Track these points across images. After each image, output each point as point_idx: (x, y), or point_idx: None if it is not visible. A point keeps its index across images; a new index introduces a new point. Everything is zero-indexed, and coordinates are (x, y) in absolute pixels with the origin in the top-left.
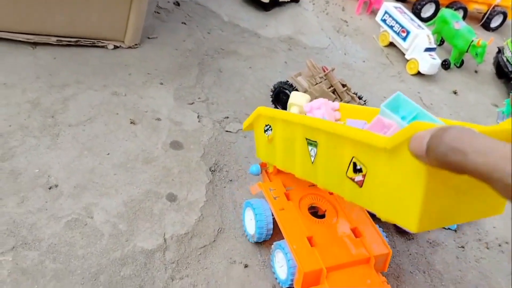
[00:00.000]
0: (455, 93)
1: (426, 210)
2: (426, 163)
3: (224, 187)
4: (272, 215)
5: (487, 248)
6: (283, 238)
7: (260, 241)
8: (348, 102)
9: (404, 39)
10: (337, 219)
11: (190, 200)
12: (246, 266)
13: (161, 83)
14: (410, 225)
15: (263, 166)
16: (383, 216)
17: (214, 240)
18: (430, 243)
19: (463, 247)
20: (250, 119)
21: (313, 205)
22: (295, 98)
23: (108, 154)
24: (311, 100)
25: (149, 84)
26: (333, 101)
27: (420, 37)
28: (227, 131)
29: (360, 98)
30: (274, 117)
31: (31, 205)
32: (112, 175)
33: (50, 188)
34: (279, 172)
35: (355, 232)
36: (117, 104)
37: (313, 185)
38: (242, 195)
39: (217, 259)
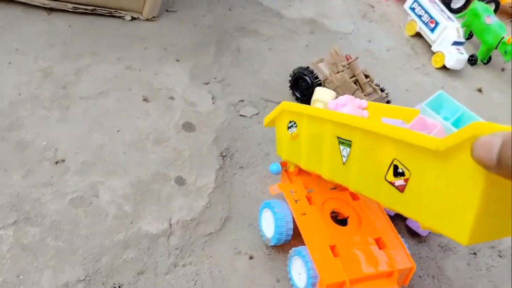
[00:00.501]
0: (479, 91)
1: (479, 222)
2: (494, 173)
3: (234, 174)
4: (293, 218)
5: (500, 257)
6: (300, 243)
7: (277, 245)
8: (369, 94)
9: (432, 30)
10: (360, 228)
11: (199, 185)
12: (251, 257)
13: (177, 60)
14: (460, 238)
15: (284, 165)
16: (427, 226)
17: (221, 229)
18: (442, 247)
19: (475, 253)
20: (273, 115)
21: (335, 211)
22: (319, 93)
23: (119, 131)
24: (335, 96)
25: (165, 60)
26: (354, 92)
27: (449, 29)
28: (241, 115)
29: (382, 90)
30: (301, 113)
31: (36, 179)
32: (121, 153)
33: (56, 163)
34: (300, 172)
35: (379, 243)
36: (131, 79)
37: (335, 188)
38: (252, 184)
39: (222, 248)
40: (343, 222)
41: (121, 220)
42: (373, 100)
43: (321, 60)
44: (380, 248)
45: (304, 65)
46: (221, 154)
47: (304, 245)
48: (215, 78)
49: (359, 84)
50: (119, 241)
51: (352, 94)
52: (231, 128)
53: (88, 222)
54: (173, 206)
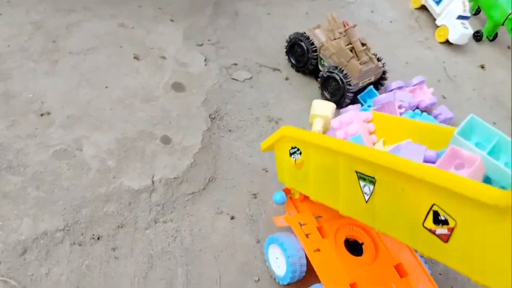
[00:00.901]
0: (482, 67)
1: None
2: None
3: (222, 136)
4: (305, 253)
5: None
6: (313, 278)
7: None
8: (365, 62)
9: (438, 3)
10: (378, 255)
11: (185, 145)
12: (232, 218)
13: (172, 20)
14: None
15: (287, 192)
16: (475, 279)
17: (204, 188)
18: None
19: None
20: (272, 140)
21: (349, 238)
22: (318, 107)
23: (107, 87)
24: (334, 109)
25: (159, 20)
26: (349, 60)
27: (454, 2)
28: (233, 78)
29: (379, 60)
30: (305, 141)
31: (20, 130)
32: (108, 109)
33: (42, 115)
34: (305, 197)
35: (399, 270)
36: (123, 37)
37: None
38: (240, 147)
39: (204, 207)
40: (356, 246)
41: (104, 174)
42: (368, 70)
43: (318, 27)
44: (401, 277)
45: (301, 31)
46: (209, 116)
47: (319, 282)
48: (209, 40)
49: (355, 52)
50: (100, 194)
51: (347, 62)
52: (222, 91)
53: (70, 174)
54: (157, 164)
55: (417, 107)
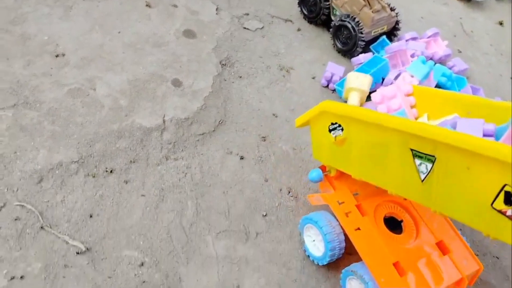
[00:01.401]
0: (500, 24)
1: None
2: None
3: (233, 82)
4: (343, 231)
5: None
6: (350, 256)
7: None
8: (378, 11)
9: None
10: (418, 232)
11: (195, 89)
12: (242, 158)
13: None
14: None
15: (324, 169)
16: None
17: (214, 130)
18: None
19: None
20: (309, 115)
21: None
22: (354, 80)
23: (119, 32)
24: (371, 82)
25: None
26: (362, 8)
27: None
28: (245, 28)
29: (392, 9)
30: (351, 118)
31: (36, 69)
32: (120, 53)
33: (57, 56)
34: (341, 174)
35: (441, 247)
36: None
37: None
38: (250, 93)
39: (214, 147)
40: (395, 223)
41: (116, 112)
42: (380, 18)
43: None
44: (444, 254)
45: None
46: (220, 62)
47: (358, 260)
48: None
49: (368, 0)
50: (113, 130)
51: (360, 10)
52: (233, 39)
53: (84, 111)
54: (168, 104)
55: (431, 59)
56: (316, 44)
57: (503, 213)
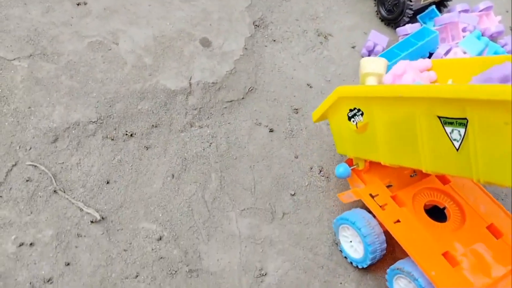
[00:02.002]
0: None
1: None
2: None
3: (266, 46)
4: (382, 228)
5: None
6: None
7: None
8: None
9: None
10: (465, 218)
11: (225, 50)
12: (271, 130)
13: None
14: None
15: (350, 163)
16: None
17: (243, 98)
18: None
19: None
20: (325, 106)
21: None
22: (369, 65)
23: None
24: (387, 64)
25: None
26: None
27: None
28: None
29: None
30: (369, 97)
31: (55, 17)
32: (146, 5)
33: (78, 4)
34: (370, 165)
35: (493, 231)
36: None
37: (416, 174)
38: (284, 59)
39: (242, 117)
40: (438, 211)
41: (140, 70)
42: None
43: None
44: (496, 238)
45: None
46: (253, 23)
47: (405, 256)
48: None
49: None
50: (135, 90)
51: None
52: None
53: (105, 67)
54: (195, 66)
55: (482, 34)
56: (357, 10)
57: None
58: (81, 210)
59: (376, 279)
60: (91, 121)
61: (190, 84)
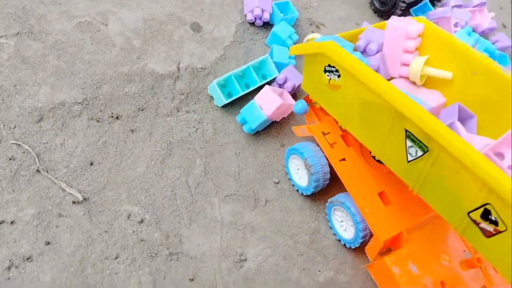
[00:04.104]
0: None
1: None
2: None
3: (257, 33)
4: (328, 162)
5: None
6: (337, 189)
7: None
8: None
9: None
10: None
11: (216, 36)
12: None
13: None
14: None
15: (308, 101)
16: (503, 276)
17: None
18: None
19: None
20: (305, 50)
21: None
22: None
23: None
24: None
25: None
26: None
27: None
28: None
29: None
30: (351, 73)
31: None
32: None
33: None
34: None
35: None
36: None
37: None
38: None
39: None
40: None
41: (128, 53)
42: None
43: None
44: None
45: None
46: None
47: (344, 191)
48: None
49: None
50: (122, 73)
51: None
52: None
53: (93, 48)
54: (184, 50)
55: (474, 30)
56: (351, 1)
57: (476, 223)
58: (64, 190)
59: (355, 268)
60: (77, 102)
61: (179, 69)
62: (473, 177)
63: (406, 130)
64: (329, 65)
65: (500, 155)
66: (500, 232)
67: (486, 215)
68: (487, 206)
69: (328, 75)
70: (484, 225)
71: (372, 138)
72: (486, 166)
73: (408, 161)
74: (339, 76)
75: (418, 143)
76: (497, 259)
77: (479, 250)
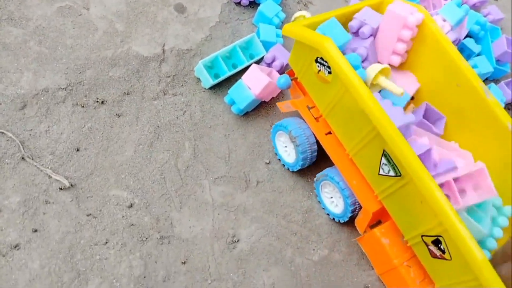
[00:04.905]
0: None
1: None
2: None
3: (243, 12)
4: (315, 138)
5: None
6: (324, 164)
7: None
8: None
9: None
10: None
11: (201, 17)
12: None
13: None
14: None
15: (291, 74)
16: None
17: None
18: None
19: None
20: (300, 36)
21: None
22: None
23: None
24: None
25: None
26: None
27: None
28: None
29: None
30: (342, 78)
31: None
32: None
33: None
34: None
35: None
36: None
37: None
38: None
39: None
40: None
41: (111, 37)
42: None
43: None
44: None
45: None
46: None
47: (331, 165)
48: None
49: None
50: (106, 57)
51: None
52: None
53: (75, 33)
54: (169, 32)
55: (464, 3)
56: None
57: (427, 244)
58: (50, 177)
59: (349, 246)
60: (60, 88)
61: (164, 51)
62: (434, 213)
63: (384, 150)
64: (322, 58)
65: (463, 192)
66: (445, 259)
67: (437, 243)
68: (440, 238)
69: (318, 66)
70: (433, 248)
71: (350, 140)
72: (447, 211)
73: (378, 174)
74: (329, 72)
75: (392, 165)
76: (436, 276)
77: (423, 263)
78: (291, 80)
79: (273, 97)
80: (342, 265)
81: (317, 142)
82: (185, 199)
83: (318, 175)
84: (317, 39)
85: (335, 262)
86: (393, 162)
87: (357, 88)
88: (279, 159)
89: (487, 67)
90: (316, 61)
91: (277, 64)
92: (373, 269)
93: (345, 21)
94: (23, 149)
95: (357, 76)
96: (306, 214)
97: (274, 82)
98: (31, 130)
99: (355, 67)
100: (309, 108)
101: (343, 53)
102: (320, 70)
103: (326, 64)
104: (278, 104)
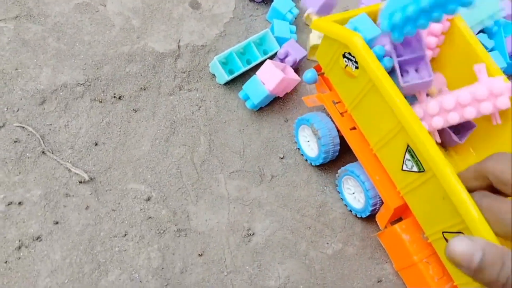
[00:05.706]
0: None
1: None
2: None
3: (257, 8)
4: (337, 130)
5: None
6: (348, 158)
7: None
8: None
9: None
10: None
11: (215, 13)
12: None
13: None
14: None
15: (318, 69)
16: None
17: None
18: None
19: None
20: (329, 31)
21: None
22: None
23: None
24: None
25: None
26: None
27: None
28: None
29: None
30: (370, 75)
31: None
32: None
33: None
34: None
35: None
36: None
37: None
38: None
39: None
40: None
41: (128, 33)
42: None
43: None
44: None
45: None
46: None
47: (354, 161)
48: None
49: None
50: (123, 53)
51: None
52: None
53: (92, 29)
54: (184, 28)
55: None
56: None
57: (448, 241)
58: (70, 170)
59: (363, 240)
60: (78, 84)
61: (179, 47)
62: (456, 210)
63: (408, 145)
64: (349, 53)
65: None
66: None
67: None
68: (460, 234)
69: (346, 61)
70: None
71: (374, 135)
72: (468, 208)
73: (401, 170)
74: (356, 67)
75: (416, 161)
76: (456, 273)
77: (443, 260)
78: (318, 75)
79: (287, 93)
80: (355, 258)
81: (340, 137)
82: (201, 193)
83: (340, 169)
84: (346, 33)
85: (349, 256)
86: (416, 157)
87: (382, 82)
88: (302, 154)
89: (501, 63)
90: (344, 56)
91: (290, 59)
92: (386, 263)
93: (374, 19)
94: (44, 143)
95: (384, 71)
96: (320, 209)
97: (288, 78)
98: (51, 124)
99: (379, 57)
100: (334, 103)
101: (372, 47)
102: (347, 65)
103: (354, 59)
104: (303, 98)
